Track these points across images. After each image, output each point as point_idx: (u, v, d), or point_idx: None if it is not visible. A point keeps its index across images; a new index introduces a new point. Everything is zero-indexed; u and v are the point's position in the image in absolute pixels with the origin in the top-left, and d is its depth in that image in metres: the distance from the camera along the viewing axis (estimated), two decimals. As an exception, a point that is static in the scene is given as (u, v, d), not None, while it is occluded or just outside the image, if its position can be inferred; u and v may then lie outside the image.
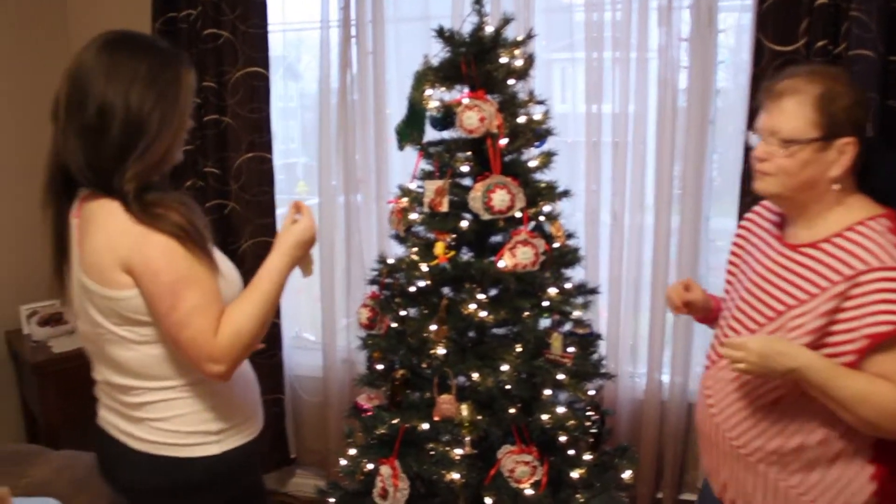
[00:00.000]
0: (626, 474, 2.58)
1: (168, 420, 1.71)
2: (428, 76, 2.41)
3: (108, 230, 1.58)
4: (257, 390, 1.93)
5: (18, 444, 3.07)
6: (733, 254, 2.07)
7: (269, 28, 3.34)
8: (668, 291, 2.13)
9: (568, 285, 2.52)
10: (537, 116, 2.45)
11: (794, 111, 1.74)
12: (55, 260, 1.73)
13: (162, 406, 1.71)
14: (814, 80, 1.75)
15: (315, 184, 3.52)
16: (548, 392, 2.42)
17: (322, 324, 3.59)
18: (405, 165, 3.19)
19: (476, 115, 2.28)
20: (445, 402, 2.39)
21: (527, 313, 2.41)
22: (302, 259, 1.81)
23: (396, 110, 3.29)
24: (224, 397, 1.76)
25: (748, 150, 2.78)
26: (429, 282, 2.43)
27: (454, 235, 2.40)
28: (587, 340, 2.56)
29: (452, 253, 2.40)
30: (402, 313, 2.50)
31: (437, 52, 2.44)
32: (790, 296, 1.78)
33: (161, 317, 1.60)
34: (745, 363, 1.70)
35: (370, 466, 2.55)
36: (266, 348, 3.34)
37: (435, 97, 2.43)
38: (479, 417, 2.39)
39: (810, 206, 1.80)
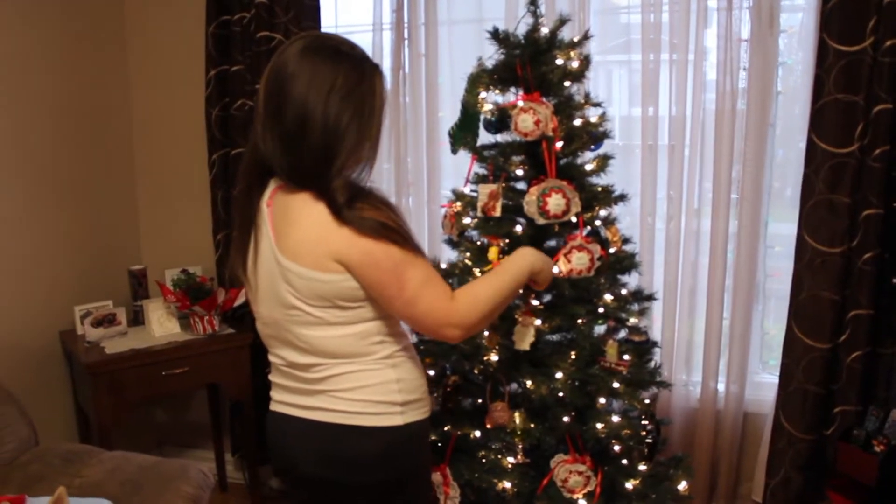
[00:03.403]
0: (682, 485, 2.53)
1: (353, 391, 1.74)
2: (482, 78, 2.38)
3: (317, 227, 1.62)
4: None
5: (72, 444, 3.09)
6: None
7: (322, 30, 3.33)
8: None
9: (623, 291, 2.48)
10: (593, 119, 2.41)
11: None
12: (240, 242, 1.77)
13: (347, 378, 1.74)
14: None
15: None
16: (602, 400, 2.38)
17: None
18: (457, 169, 3.17)
19: (531, 117, 2.25)
20: (498, 409, 2.36)
21: (582, 320, 2.38)
22: (540, 274, 1.96)
23: (449, 113, 3.28)
24: (407, 372, 1.79)
25: (809, 153, 2.73)
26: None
27: (508, 240, 2.36)
28: (643, 348, 2.52)
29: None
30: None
31: (492, 55, 2.41)
32: None
33: (392, 299, 1.67)
34: None
35: (421, 473, 2.53)
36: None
37: (489, 100, 2.40)
38: (532, 425, 2.36)
39: None
